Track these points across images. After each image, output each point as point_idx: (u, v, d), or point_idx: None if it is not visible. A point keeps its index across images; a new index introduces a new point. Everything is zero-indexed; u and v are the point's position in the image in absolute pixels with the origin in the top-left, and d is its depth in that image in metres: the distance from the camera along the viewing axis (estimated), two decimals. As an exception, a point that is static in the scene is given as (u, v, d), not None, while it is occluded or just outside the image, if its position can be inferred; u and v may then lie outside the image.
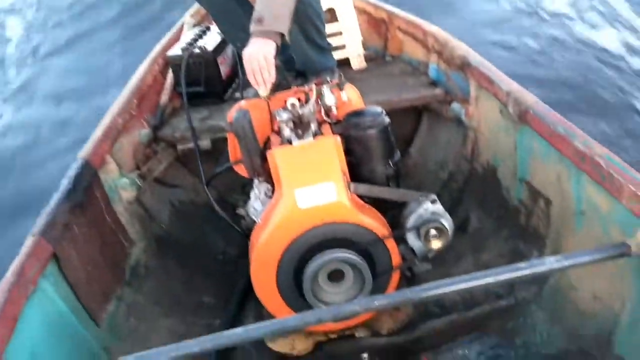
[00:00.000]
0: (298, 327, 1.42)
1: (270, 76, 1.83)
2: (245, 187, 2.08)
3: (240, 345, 1.97)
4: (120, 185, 2.11)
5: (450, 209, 2.11)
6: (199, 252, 2.32)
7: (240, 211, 2.05)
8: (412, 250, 1.83)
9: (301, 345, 1.88)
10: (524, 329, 1.87)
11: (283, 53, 2.35)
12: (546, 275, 1.86)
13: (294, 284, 1.77)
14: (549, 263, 1.42)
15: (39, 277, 1.57)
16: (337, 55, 2.76)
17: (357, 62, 2.90)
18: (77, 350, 1.59)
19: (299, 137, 1.75)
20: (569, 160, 1.70)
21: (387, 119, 1.86)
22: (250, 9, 1.92)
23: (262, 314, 1.87)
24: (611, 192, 1.52)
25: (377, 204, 1.85)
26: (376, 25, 2.98)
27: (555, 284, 1.85)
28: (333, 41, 2.66)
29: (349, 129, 1.84)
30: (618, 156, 1.57)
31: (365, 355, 1.84)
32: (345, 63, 2.87)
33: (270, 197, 1.80)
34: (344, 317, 1.44)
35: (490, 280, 1.42)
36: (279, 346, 1.88)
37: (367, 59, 2.93)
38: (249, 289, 1.91)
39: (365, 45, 2.94)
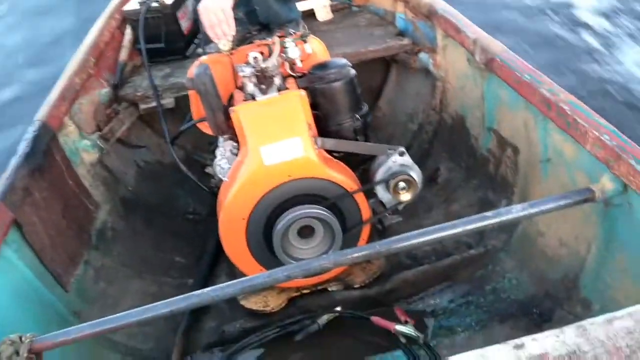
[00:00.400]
0: (268, 284, 1.42)
1: (230, 29, 1.76)
2: (212, 146, 2.04)
3: (214, 304, 1.97)
4: (82, 148, 2.04)
5: (420, 161, 2.12)
6: (167, 213, 2.29)
7: (209, 170, 2.01)
8: (382, 203, 1.83)
9: (274, 302, 1.88)
10: (494, 276, 1.90)
11: (245, 5, 2.27)
12: (514, 223, 1.88)
13: (264, 241, 1.75)
14: (516, 211, 1.42)
15: (1, 245, 1.53)
16: (302, 6, 2.67)
17: (323, 13, 2.82)
18: (46, 316, 1.57)
19: (263, 92, 1.70)
20: (535, 107, 1.69)
21: (352, 71, 1.82)
22: None
23: (234, 273, 1.86)
24: (576, 138, 1.53)
25: (347, 159, 1.83)
26: None
27: (523, 232, 1.87)
28: (297, -9, 2.57)
29: (314, 82, 1.79)
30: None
31: (338, 308, 1.85)
32: (310, 14, 2.79)
33: (236, 155, 1.77)
34: (314, 272, 1.43)
35: (459, 230, 1.42)
36: (252, 303, 1.88)
37: (334, 9, 2.85)
38: (220, 248, 1.89)
39: (331, -5, 2.86)
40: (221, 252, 1.96)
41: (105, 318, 1.31)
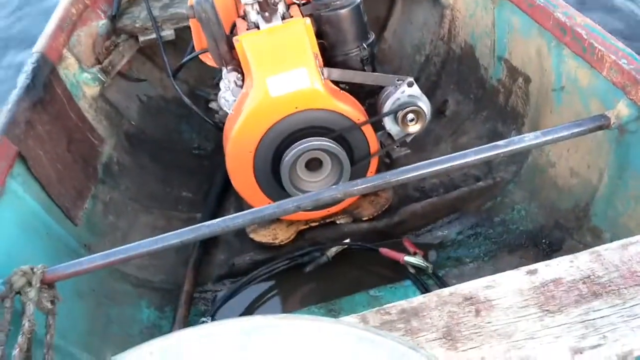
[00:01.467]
0: (277, 215, 1.41)
1: None
2: (216, 79, 1.98)
3: (223, 237, 1.98)
4: (82, 81, 1.99)
5: (428, 93, 2.07)
6: (173, 148, 2.27)
7: (213, 105, 1.97)
8: (390, 136, 1.80)
9: (283, 235, 1.89)
10: (502, 207, 1.89)
11: None
12: (525, 154, 1.86)
13: (272, 174, 1.74)
14: (529, 140, 1.39)
15: (7, 178, 1.51)
16: None
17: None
18: (56, 248, 1.57)
19: (267, 20, 1.64)
20: (550, 32, 1.63)
21: None
22: None
23: (242, 207, 1.85)
24: (592, 63, 1.48)
25: (354, 91, 1.79)
26: None
27: (533, 163, 1.85)
28: None
29: (319, 9, 1.73)
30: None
31: (347, 240, 1.86)
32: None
33: (241, 87, 1.72)
34: (323, 203, 1.42)
35: (469, 159, 1.39)
36: (261, 236, 1.89)
37: None
38: (228, 183, 1.88)
39: None
40: (229, 186, 1.95)
41: (117, 249, 1.31)
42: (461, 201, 1.93)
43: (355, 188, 1.41)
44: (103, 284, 1.68)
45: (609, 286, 1.02)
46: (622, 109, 1.39)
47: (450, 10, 2.25)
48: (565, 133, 1.40)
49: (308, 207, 1.41)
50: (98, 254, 1.31)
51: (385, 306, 1.06)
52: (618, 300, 1.00)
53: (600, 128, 1.41)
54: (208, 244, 1.93)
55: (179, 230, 1.33)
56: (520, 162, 1.88)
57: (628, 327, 0.96)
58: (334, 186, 1.47)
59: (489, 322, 1.00)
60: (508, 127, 1.97)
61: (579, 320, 0.98)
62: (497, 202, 1.90)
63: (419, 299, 1.07)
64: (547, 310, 1.00)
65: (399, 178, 1.40)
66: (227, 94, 1.76)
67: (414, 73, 2.40)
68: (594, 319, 0.98)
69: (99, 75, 2.04)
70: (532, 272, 1.08)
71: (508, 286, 1.06)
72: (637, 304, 0.99)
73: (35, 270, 1.22)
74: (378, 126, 1.80)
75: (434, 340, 0.99)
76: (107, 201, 1.89)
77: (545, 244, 1.73)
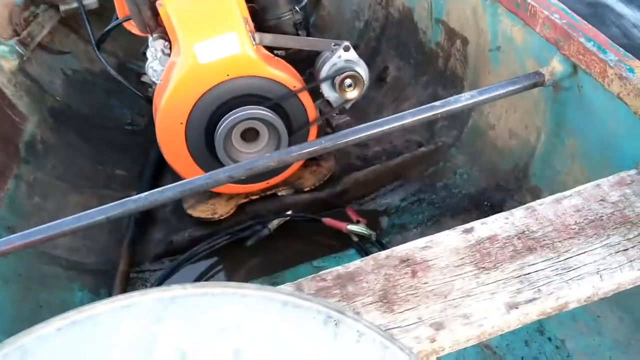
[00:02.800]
0: (209, 187, 1.34)
1: None
2: (143, 49, 1.88)
3: (160, 215, 1.90)
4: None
5: (368, 60, 2.02)
6: (103, 124, 2.15)
7: (145, 78, 1.86)
8: (329, 103, 1.75)
9: (222, 209, 1.82)
10: (445, 172, 1.88)
11: None
12: (465, 117, 1.85)
13: (207, 147, 1.66)
14: (464, 99, 1.37)
15: None
16: None
17: None
18: None
19: (193, -18, 1.55)
20: None
21: None
22: None
23: None
24: (525, 20, 1.46)
25: (292, 59, 1.73)
26: None
27: (473, 126, 1.84)
28: None
29: (248, -29, 1.65)
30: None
31: (289, 212, 1.81)
32: None
33: (169, 55, 1.63)
34: (257, 172, 1.36)
35: (406, 121, 1.36)
36: (200, 212, 1.82)
37: None
38: (163, 159, 1.79)
39: None
40: (165, 163, 1.87)
41: (37, 228, 1.22)
42: (404, 168, 1.91)
43: (290, 155, 1.35)
44: (30, 268, 1.58)
45: (543, 240, 1.01)
46: (556, 65, 1.38)
47: None
48: (500, 91, 1.38)
49: (241, 176, 1.34)
50: (16, 234, 1.22)
51: (320, 273, 1.02)
52: (552, 254, 0.99)
53: (535, 85, 1.40)
54: (144, 223, 1.85)
55: (104, 206, 1.25)
56: (460, 126, 1.86)
57: (562, 280, 0.95)
58: (267, 154, 1.41)
59: (425, 283, 0.97)
60: (448, 91, 1.95)
61: (514, 276, 0.96)
62: (439, 167, 1.89)
63: (355, 264, 1.03)
64: (482, 267, 0.98)
65: (335, 143, 1.36)
66: (154, 63, 1.67)
67: (353, 39, 2.35)
68: (528, 274, 0.96)
69: (17, 48, 1.90)
70: (468, 231, 1.06)
71: (444, 246, 1.03)
72: (571, 257, 0.98)
73: None
74: (317, 94, 1.74)
75: (370, 304, 0.95)
76: (31, 181, 1.77)
77: (487, 206, 1.73)
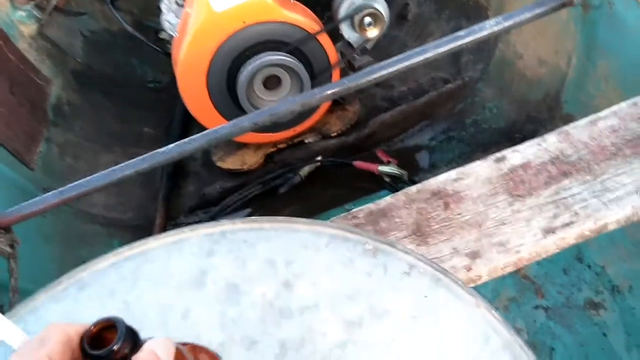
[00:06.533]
0: (234, 135, 1.33)
1: None
2: (158, 2, 1.85)
3: (191, 169, 1.92)
4: (17, 19, 1.85)
5: None
6: (127, 83, 2.15)
7: (163, 35, 1.85)
8: (350, 44, 1.71)
9: (251, 159, 1.82)
10: (473, 108, 1.84)
11: None
12: (491, 49, 1.79)
13: (229, 96, 1.65)
14: (489, 26, 1.31)
15: None
16: None
17: None
18: (13, 195, 1.50)
19: None
20: None
21: None
22: None
23: None
24: None
25: (310, 4, 1.68)
26: None
27: (500, 57, 1.78)
28: None
29: None
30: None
31: (319, 158, 1.81)
32: None
33: (183, 6, 1.61)
34: (281, 116, 1.35)
35: (429, 54, 1.32)
36: (229, 163, 1.83)
37: None
38: (189, 114, 1.80)
39: None
40: (190, 118, 1.87)
41: (70, 185, 1.24)
42: (431, 106, 1.87)
43: (313, 97, 1.33)
44: (70, 226, 1.63)
45: (579, 164, 0.99)
46: None
47: None
48: (527, 15, 1.32)
49: (265, 122, 1.33)
50: (51, 192, 1.24)
51: (352, 210, 1.02)
52: (589, 177, 0.97)
53: (563, 6, 1.32)
54: (176, 177, 1.87)
55: (133, 160, 1.26)
56: (487, 58, 1.81)
57: (600, 202, 0.93)
58: (289, 98, 1.39)
59: (458, 214, 0.96)
60: (472, 23, 1.87)
61: (549, 201, 0.95)
62: (467, 103, 1.84)
63: (386, 200, 1.03)
64: (516, 194, 0.97)
65: (358, 82, 1.33)
66: (169, 16, 1.65)
67: None
68: (565, 198, 0.94)
69: (34, 12, 1.90)
70: (500, 160, 1.04)
71: (476, 176, 1.01)
72: (608, 178, 0.96)
73: None
74: (337, 36, 1.70)
75: (403, 238, 0.95)
76: (62, 143, 1.80)
77: (518, 138, 1.69)
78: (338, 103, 1.86)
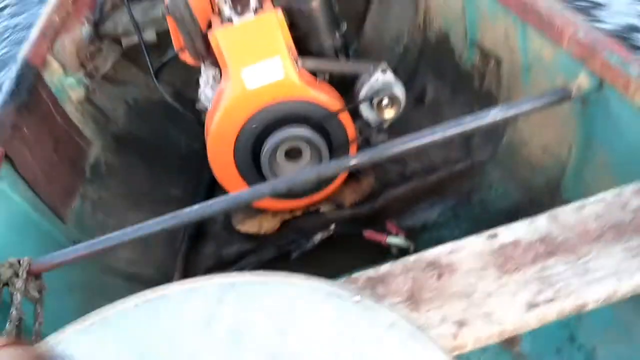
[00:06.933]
0: (254, 200, 1.46)
1: None
2: (197, 77, 2.04)
3: (211, 230, 2.03)
4: (68, 85, 2.05)
5: (407, 82, 2.11)
6: (161, 148, 2.32)
7: (199, 106, 2.02)
8: (368, 122, 1.85)
9: (268, 225, 1.94)
10: (481, 187, 1.94)
11: None
12: (500, 133, 1.90)
13: (253, 165, 1.78)
14: (493, 114, 1.44)
15: None
16: None
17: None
18: (45, 246, 1.62)
19: (240, 14, 1.69)
20: (513, 12, 1.68)
21: None
22: None
23: None
24: (553, 38, 1.52)
25: (336, 83, 1.84)
26: None
27: (508, 142, 1.89)
28: None
29: (290, 1, 1.78)
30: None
31: (332, 226, 1.91)
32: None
33: (219, 82, 1.78)
34: (299, 184, 1.47)
35: (437, 137, 1.44)
36: (247, 227, 1.94)
37: None
38: (215, 180, 1.93)
39: None
40: (216, 184, 2.01)
41: (99, 238, 1.36)
42: (441, 184, 1.98)
43: (328, 169, 1.45)
44: (95, 279, 1.73)
45: (564, 245, 1.07)
46: (582, 81, 1.43)
47: (424, 0, 2.31)
48: (529, 106, 1.45)
49: (283, 189, 1.45)
50: (82, 244, 1.36)
51: (353, 275, 1.11)
52: (573, 257, 1.05)
53: (562, 100, 1.45)
54: (197, 238, 1.98)
55: (159, 218, 1.38)
56: (496, 142, 1.92)
57: (581, 282, 1.01)
58: (307, 169, 1.52)
59: (449, 285, 1.05)
60: (483, 110, 2.02)
61: (534, 278, 1.03)
62: (475, 182, 1.95)
63: (385, 267, 1.12)
64: (505, 270, 1.05)
65: (371, 157, 1.46)
66: (206, 89, 1.82)
67: (393, 63, 2.44)
68: (549, 276, 1.02)
69: (83, 80, 2.10)
70: (493, 236, 1.13)
71: (469, 250, 1.10)
72: (590, 260, 1.04)
73: (21, 262, 1.28)
74: (357, 115, 1.84)
75: (397, 303, 1.04)
76: (95, 200, 1.94)
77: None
78: (353, 176, 1.98)
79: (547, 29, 1.54)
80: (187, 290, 0.81)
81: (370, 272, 1.10)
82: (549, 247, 1.07)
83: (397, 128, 1.88)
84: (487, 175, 1.93)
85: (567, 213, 1.13)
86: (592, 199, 1.15)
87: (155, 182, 2.19)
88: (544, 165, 1.73)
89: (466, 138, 2.00)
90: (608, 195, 1.15)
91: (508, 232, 1.12)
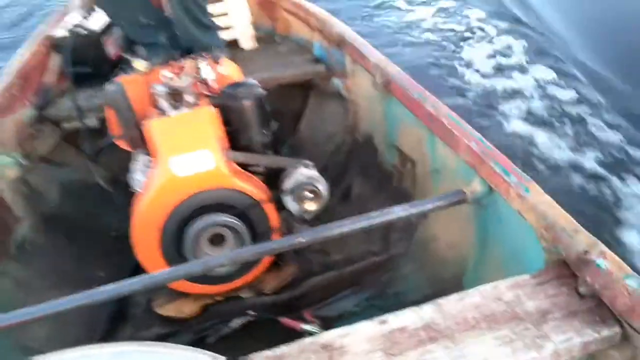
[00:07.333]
0: (170, 281, 1.51)
1: None
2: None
3: (131, 312, 2.04)
4: (3, 163, 2.11)
5: (336, 178, 2.28)
6: (91, 230, 2.35)
7: (130, 190, 2.10)
8: (291, 213, 1.97)
9: (189, 309, 1.97)
10: (396, 280, 2.05)
11: (167, 30, 2.41)
12: (413, 229, 2.05)
13: (177, 251, 1.85)
14: (397, 211, 1.59)
15: None
16: (227, 35, 2.85)
17: (247, 42, 3.00)
18: None
19: (175, 108, 1.83)
20: (423, 122, 1.88)
21: (261, 91, 1.97)
22: None
23: None
24: (453, 147, 1.71)
25: (266, 176, 1.96)
26: (265, 7, 3.09)
27: (420, 238, 2.04)
28: (220, 21, 2.75)
29: (225, 100, 1.93)
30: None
31: (251, 312, 1.96)
32: (235, 43, 2.96)
33: (151, 168, 1.88)
34: (212, 267, 1.54)
35: (344, 229, 1.57)
36: (167, 310, 1.97)
37: (258, 39, 3.03)
38: (140, 265, 1.97)
39: (256, 26, 3.04)
40: (141, 268, 2.04)
41: (14, 312, 1.38)
42: (360, 275, 2.08)
43: (241, 255, 1.54)
44: (8, 357, 1.71)
45: (445, 332, 1.17)
46: (475, 186, 1.61)
47: (353, 104, 2.53)
48: (429, 205, 1.60)
49: (199, 272, 1.52)
50: None
51: (250, 355, 1.17)
52: (451, 344, 1.15)
53: (459, 202, 1.62)
54: (115, 319, 1.99)
55: (75, 295, 1.42)
56: (410, 237, 2.07)
57: (456, 366, 1.10)
58: (222, 254, 1.60)
59: (339, 366, 1.12)
60: None
61: (415, 361, 1.12)
62: (391, 275, 2.06)
63: (282, 348, 1.19)
64: (390, 353, 1.14)
65: (282, 245, 1.55)
66: (137, 174, 1.91)
67: (324, 159, 2.63)
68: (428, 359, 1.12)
69: (19, 160, 2.16)
70: (383, 322, 1.22)
71: (361, 334, 1.19)
72: (465, 346, 1.14)
73: None
74: (282, 206, 1.96)
75: (289, 383, 1.10)
76: (17, 278, 1.95)
77: None
78: (276, 264, 2.07)
79: (449, 139, 1.73)
80: (79, 356, 0.87)
81: (268, 352, 1.17)
82: (431, 334, 1.17)
83: (324, 220, 2.00)
84: (402, 268, 2.05)
85: (450, 302, 1.25)
86: (472, 290, 1.27)
87: (80, 263, 2.21)
88: (449, 260, 1.87)
89: (384, 233, 2.14)
90: (487, 287, 1.27)
91: (397, 319, 1.22)
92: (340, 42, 2.49)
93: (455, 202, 1.62)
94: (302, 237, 1.57)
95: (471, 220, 1.73)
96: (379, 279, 2.07)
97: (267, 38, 3.06)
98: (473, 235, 1.73)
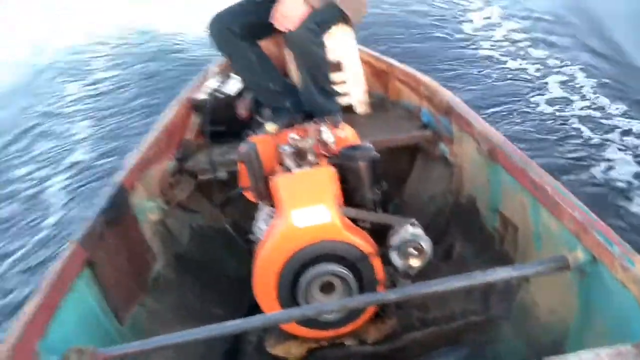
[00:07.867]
0: (284, 321, 1.68)
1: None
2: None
3: (245, 350, 2.24)
4: (147, 208, 2.45)
5: (438, 238, 2.41)
6: (213, 270, 2.62)
7: (251, 237, 2.34)
8: (395, 268, 2.10)
9: (296, 350, 2.14)
10: (494, 341, 2.10)
11: (293, 96, 2.71)
12: (514, 293, 2.11)
13: (291, 294, 2.04)
14: (498, 273, 1.68)
15: (75, 279, 1.89)
16: (343, 101, 3.11)
17: (362, 107, 3.24)
18: (103, 340, 1.89)
19: (299, 166, 2.07)
20: (526, 189, 1.98)
21: (375, 154, 2.16)
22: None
23: None
24: (556, 215, 1.79)
25: (376, 232, 2.12)
26: (379, 76, 3.34)
27: (521, 301, 2.09)
28: (339, 89, 3.03)
29: (343, 160, 2.15)
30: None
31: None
32: (350, 108, 3.22)
33: (273, 218, 2.11)
34: (324, 312, 1.70)
35: (455, 284, 1.68)
36: (277, 350, 2.15)
37: (372, 105, 3.27)
38: (256, 305, 2.19)
39: (370, 93, 3.29)
40: (256, 308, 2.25)
41: (153, 339, 1.63)
42: (458, 333, 2.16)
43: (348, 303, 1.69)
44: None
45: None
46: (579, 254, 1.67)
47: (457, 168, 2.66)
48: (530, 270, 1.69)
49: (310, 316, 1.69)
50: (135, 342, 1.63)
51: None
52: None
53: (561, 269, 1.69)
54: (229, 354, 2.20)
55: (196, 329, 1.64)
56: (510, 300, 2.12)
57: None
58: (333, 301, 1.75)
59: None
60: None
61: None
62: (489, 336, 2.12)
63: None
64: None
65: (388, 298, 1.70)
66: (260, 223, 2.15)
67: (427, 219, 2.75)
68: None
69: (161, 205, 2.50)
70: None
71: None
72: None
73: (85, 350, 1.56)
74: (387, 261, 2.10)
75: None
76: (151, 310, 2.23)
77: None
78: (379, 316, 2.19)
79: (552, 207, 1.82)
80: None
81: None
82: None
83: (426, 278, 2.12)
84: (500, 330, 2.10)
85: None
86: (571, 355, 1.33)
87: (202, 300, 2.47)
88: (550, 326, 1.91)
89: (485, 294, 2.21)
90: (589, 354, 1.33)
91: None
92: (448, 110, 2.66)
93: (558, 268, 1.69)
94: (405, 291, 1.71)
95: (573, 288, 1.78)
96: (477, 339, 2.13)
97: (379, 104, 3.29)
98: (577, 302, 1.77)
